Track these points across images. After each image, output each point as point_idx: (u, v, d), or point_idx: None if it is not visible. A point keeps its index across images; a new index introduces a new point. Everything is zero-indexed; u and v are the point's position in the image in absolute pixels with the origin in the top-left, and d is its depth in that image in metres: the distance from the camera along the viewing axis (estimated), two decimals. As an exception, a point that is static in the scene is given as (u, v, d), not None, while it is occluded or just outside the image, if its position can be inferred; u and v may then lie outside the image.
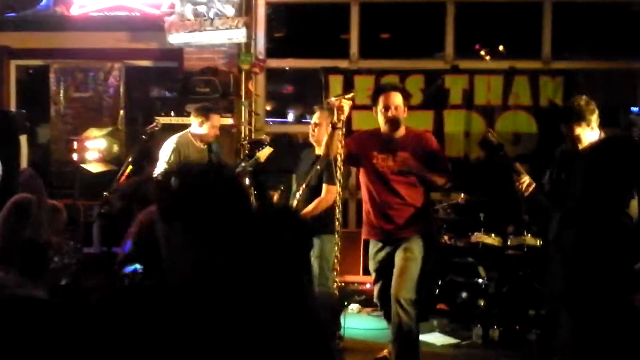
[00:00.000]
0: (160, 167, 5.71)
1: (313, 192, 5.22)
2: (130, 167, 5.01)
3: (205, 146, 5.97)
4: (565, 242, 3.77)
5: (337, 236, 4.50)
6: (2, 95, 7.70)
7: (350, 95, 4.46)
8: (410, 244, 4.53)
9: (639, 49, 7.20)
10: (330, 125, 4.51)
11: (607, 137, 4.08)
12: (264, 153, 5.59)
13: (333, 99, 4.52)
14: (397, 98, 4.63)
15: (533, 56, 7.32)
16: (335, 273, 4.54)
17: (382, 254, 4.72)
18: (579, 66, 7.29)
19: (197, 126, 5.88)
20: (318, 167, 5.15)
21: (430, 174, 4.56)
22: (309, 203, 5.18)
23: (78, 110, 7.65)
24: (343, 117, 4.38)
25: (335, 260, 4.51)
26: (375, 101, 4.69)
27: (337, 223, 4.47)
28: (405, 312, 4.41)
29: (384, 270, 4.67)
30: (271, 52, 7.72)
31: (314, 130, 5.25)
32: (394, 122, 4.61)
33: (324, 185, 5.16)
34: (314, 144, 5.28)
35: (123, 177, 5.06)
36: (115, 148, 6.40)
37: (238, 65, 7.10)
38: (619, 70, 7.64)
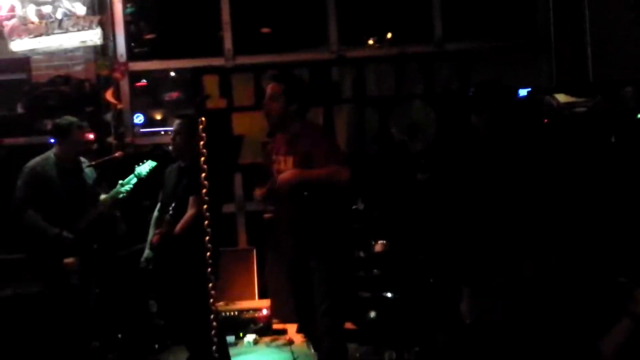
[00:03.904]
0: (16, 200, 4.72)
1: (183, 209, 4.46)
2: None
3: (76, 168, 4.94)
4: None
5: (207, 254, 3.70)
6: None
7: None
8: None
9: (532, 26, 6.83)
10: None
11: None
12: (144, 168, 4.74)
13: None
14: (269, 88, 4.03)
15: (424, 40, 6.79)
16: (211, 300, 3.75)
17: None
18: (472, 47, 6.79)
19: (57, 145, 4.87)
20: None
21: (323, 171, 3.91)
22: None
23: None
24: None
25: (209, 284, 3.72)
26: None
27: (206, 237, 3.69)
28: None
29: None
30: (139, 56, 6.90)
31: (174, 140, 4.52)
32: (267, 117, 4.01)
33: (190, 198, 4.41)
34: (175, 155, 4.57)
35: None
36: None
37: (95, 72, 6.20)
38: (513, 50, 7.17)
